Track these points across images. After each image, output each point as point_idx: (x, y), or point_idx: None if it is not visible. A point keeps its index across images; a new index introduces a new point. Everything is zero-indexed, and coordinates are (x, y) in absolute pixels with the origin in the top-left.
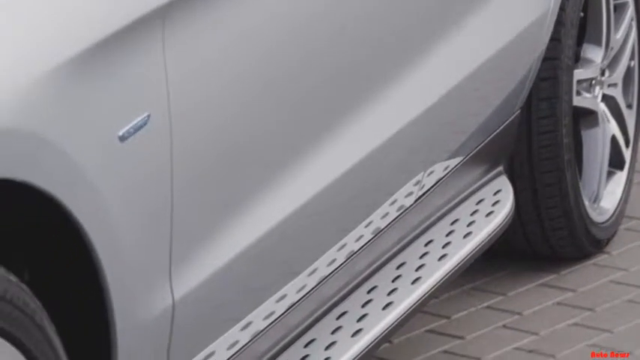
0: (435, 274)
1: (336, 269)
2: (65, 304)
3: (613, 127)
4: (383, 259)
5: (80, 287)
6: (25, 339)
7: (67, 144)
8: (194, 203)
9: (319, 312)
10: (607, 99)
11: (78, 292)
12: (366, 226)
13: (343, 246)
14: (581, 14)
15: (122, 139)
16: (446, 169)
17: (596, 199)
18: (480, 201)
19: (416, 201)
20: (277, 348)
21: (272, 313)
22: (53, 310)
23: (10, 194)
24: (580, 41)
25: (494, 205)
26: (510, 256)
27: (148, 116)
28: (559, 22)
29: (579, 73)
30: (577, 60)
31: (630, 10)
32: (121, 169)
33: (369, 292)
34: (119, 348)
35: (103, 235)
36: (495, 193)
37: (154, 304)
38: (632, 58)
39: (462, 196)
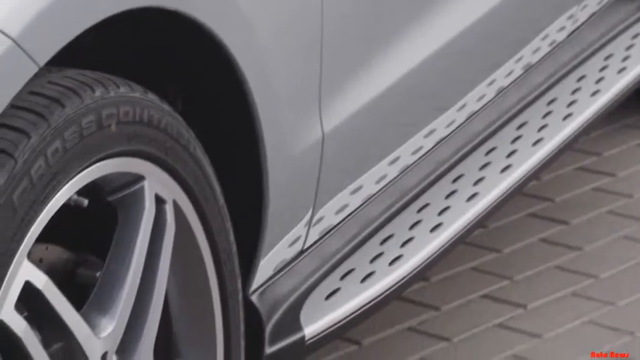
0: (587, 110)
1: (485, 105)
2: (218, 137)
3: None
4: (533, 95)
5: (233, 121)
6: (179, 168)
7: None
8: (344, 36)
9: (468, 147)
10: None
11: (230, 125)
12: (516, 62)
13: (493, 81)
14: None
15: None
16: (600, 2)
17: None
18: (636, 35)
19: (568, 36)
20: (424, 183)
21: (420, 148)
22: (207, 143)
23: (164, 24)
24: None
25: None
26: None
27: None
28: None
29: None
30: None
31: None
32: (272, 0)
33: (518, 128)
34: (270, 181)
35: (255, 67)
36: None
37: (304, 136)
38: None
39: (617, 30)
